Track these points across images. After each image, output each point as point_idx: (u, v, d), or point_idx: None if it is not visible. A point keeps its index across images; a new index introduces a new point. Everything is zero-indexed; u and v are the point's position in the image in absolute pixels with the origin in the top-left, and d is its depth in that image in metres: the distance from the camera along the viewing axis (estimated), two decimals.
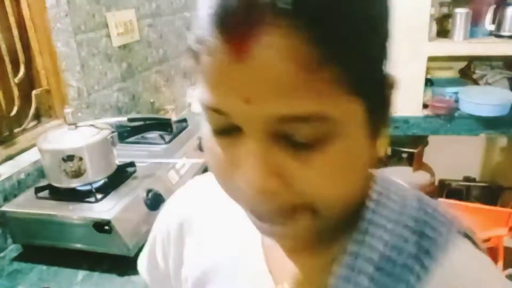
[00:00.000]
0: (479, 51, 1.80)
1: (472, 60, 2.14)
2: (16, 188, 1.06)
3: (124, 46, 1.55)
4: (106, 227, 0.87)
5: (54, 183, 0.97)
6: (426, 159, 2.41)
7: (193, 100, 2.05)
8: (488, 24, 1.89)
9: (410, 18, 1.78)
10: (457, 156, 2.52)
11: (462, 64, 2.24)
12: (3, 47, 1.16)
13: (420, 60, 1.84)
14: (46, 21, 1.25)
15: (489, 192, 2.40)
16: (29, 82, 1.27)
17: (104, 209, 0.90)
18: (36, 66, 1.29)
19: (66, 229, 0.92)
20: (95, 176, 0.97)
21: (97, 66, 1.40)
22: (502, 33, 1.82)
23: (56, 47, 1.27)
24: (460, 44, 1.82)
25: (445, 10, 2.01)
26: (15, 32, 1.21)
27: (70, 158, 0.93)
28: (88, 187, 0.96)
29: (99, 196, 0.94)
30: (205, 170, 1.29)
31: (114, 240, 0.88)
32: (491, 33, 1.89)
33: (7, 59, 1.18)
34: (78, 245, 0.93)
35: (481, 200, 2.07)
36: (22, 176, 1.09)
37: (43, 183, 1.03)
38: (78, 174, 0.94)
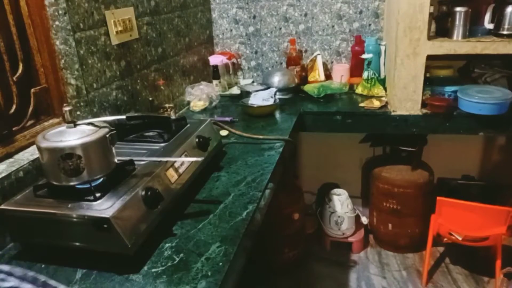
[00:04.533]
0: (478, 50, 1.79)
1: (471, 59, 2.14)
2: (14, 187, 1.06)
3: (123, 44, 1.55)
4: (105, 226, 0.87)
5: (52, 181, 0.96)
6: (425, 158, 2.41)
7: (192, 98, 2.05)
8: (487, 23, 1.90)
9: (409, 16, 1.78)
10: (456, 155, 2.52)
11: (461, 63, 2.24)
12: (2, 45, 1.16)
13: (419, 58, 1.84)
14: (44, 19, 1.25)
15: (487, 191, 2.41)
16: (28, 80, 1.27)
17: (103, 207, 0.90)
18: (35, 64, 1.29)
19: (65, 227, 0.92)
20: (93, 174, 0.97)
21: (96, 64, 1.40)
22: (501, 32, 1.82)
23: (55, 45, 1.27)
24: (459, 43, 1.82)
25: (444, 9, 2.01)
26: (14, 30, 1.20)
27: (68, 156, 0.92)
28: (87, 186, 0.96)
29: (98, 194, 0.94)
30: (203, 168, 1.29)
31: (113, 238, 0.88)
32: (490, 32, 1.89)
33: (5, 57, 1.18)
34: (77, 244, 0.93)
35: (480, 198, 2.07)
36: (21, 174, 1.09)
37: (41, 181, 1.03)
38: (76, 172, 0.94)
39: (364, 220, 2.52)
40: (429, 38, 1.83)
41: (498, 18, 1.84)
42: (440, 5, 2.02)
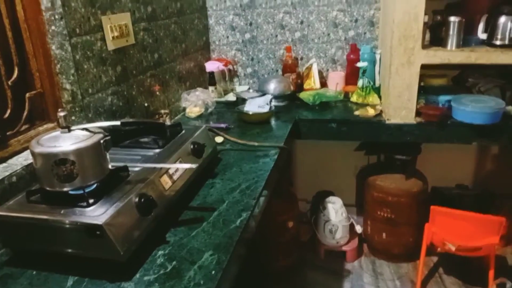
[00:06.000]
0: (472, 59, 1.81)
1: (465, 68, 2.16)
2: (7, 192, 1.05)
3: (119, 50, 1.55)
4: (98, 232, 0.86)
5: (46, 187, 0.96)
6: (419, 166, 2.42)
7: (188, 104, 2.05)
8: (480, 33, 1.92)
9: (404, 25, 1.80)
10: (450, 164, 2.54)
11: (455, 72, 2.26)
12: None
13: (414, 67, 1.85)
14: (41, 24, 1.25)
15: (481, 200, 2.42)
16: (23, 84, 1.27)
17: (96, 214, 0.90)
18: (31, 68, 1.28)
19: (57, 233, 0.91)
20: (87, 180, 0.96)
21: (91, 70, 1.40)
22: (495, 42, 1.84)
23: (51, 50, 1.27)
24: (453, 53, 1.84)
25: (438, 18, 2.03)
26: (10, 34, 1.20)
27: (62, 162, 0.92)
28: (80, 192, 0.95)
29: (91, 200, 0.93)
30: (198, 175, 1.29)
31: (105, 245, 0.87)
32: (483, 42, 1.91)
33: (0, 62, 1.17)
34: (69, 250, 0.93)
35: (474, 207, 2.08)
36: (14, 179, 1.08)
37: (35, 187, 1.02)
38: (70, 178, 0.93)
39: (358, 229, 2.52)
40: (424, 47, 1.85)
41: (491, 29, 1.86)
42: (434, 15, 2.04)
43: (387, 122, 1.97)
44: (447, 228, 2.02)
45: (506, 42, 1.82)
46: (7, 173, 1.08)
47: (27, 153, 1.19)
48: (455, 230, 2.00)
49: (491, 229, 1.91)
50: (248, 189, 1.27)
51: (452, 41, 1.87)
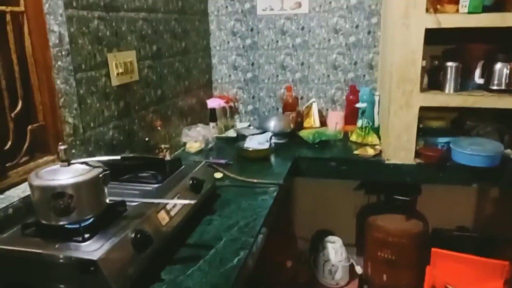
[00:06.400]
0: (469, 103, 1.84)
1: (463, 111, 2.19)
2: (3, 224, 1.04)
3: (123, 86, 1.58)
4: (91, 268, 0.85)
5: (42, 220, 0.95)
6: (419, 207, 2.40)
7: (188, 139, 2.07)
8: (477, 78, 1.96)
9: (402, 69, 1.84)
10: (450, 205, 2.51)
11: (454, 115, 2.29)
12: (3, 83, 1.18)
13: (413, 110, 1.88)
14: (47, 59, 1.28)
15: (482, 243, 2.38)
16: (26, 117, 1.28)
17: (90, 249, 0.88)
18: (34, 101, 1.30)
19: (51, 268, 0.89)
20: (84, 214, 0.95)
21: (94, 104, 1.42)
22: (491, 87, 1.88)
23: (56, 84, 1.29)
24: (451, 96, 1.87)
25: (436, 63, 2.08)
26: (16, 68, 1.23)
27: (60, 195, 0.91)
28: (76, 226, 0.94)
29: (86, 235, 0.92)
30: (196, 211, 1.28)
31: (99, 282, 0.85)
32: (481, 87, 1.94)
33: (6, 94, 1.19)
34: (62, 286, 0.90)
35: (475, 250, 2.05)
36: (10, 211, 1.08)
37: (30, 219, 1.01)
38: (67, 212, 0.92)
39: (359, 269, 2.46)
40: (422, 90, 1.88)
41: (488, 74, 1.90)
42: (432, 59, 2.10)
43: (386, 162, 1.98)
44: (449, 271, 1.97)
45: (503, 87, 1.85)
46: (4, 205, 1.07)
47: (25, 185, 1.18)
48: (457, 274, 1.95)
49: (495, 274, 1.87)
50: (246, 227, 1.26)
51: (450, 85, 1.90)
